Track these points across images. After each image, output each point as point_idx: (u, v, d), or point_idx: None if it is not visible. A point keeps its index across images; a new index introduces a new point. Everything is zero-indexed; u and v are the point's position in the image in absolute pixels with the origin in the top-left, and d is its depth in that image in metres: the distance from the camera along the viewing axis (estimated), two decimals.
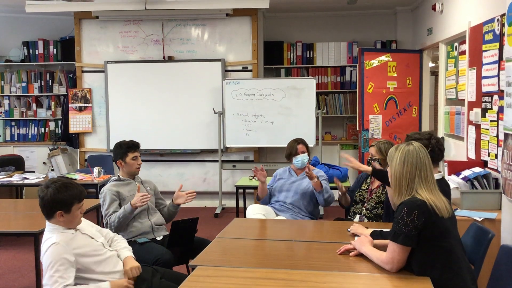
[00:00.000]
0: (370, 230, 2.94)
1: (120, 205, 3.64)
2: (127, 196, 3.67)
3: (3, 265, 4.93)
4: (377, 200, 3.90)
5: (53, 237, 2.60)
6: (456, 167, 4.25)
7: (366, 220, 3.87)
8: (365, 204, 3.95)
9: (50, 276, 2.49)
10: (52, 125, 7.81)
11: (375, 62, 6.83)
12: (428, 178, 2.46)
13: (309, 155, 4.41)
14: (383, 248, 2.59)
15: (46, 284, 2.50)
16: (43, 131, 7.83)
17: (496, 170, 3.95)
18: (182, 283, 2.38)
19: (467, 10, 4.94)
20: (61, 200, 2.59)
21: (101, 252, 2.74)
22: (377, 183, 3.99)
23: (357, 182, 4.19)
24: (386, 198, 3.77)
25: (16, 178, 5.85)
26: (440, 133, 5.82)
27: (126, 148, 3.74)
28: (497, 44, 4.01)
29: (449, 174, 4.23)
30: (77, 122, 7.48)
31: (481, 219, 3.49)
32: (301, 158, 4.33)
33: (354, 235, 3.09)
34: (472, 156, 4.54)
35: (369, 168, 3.58)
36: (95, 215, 4.80)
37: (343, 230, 3.29)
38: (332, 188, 4.30)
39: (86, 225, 2.81)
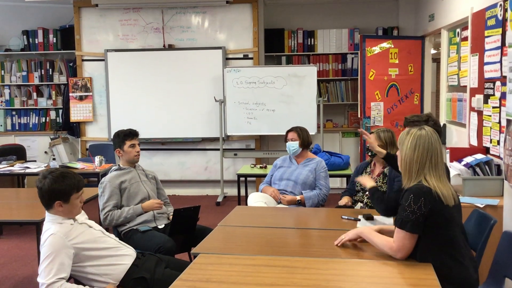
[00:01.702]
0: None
1: (121, 197, 3.65)
2: (128, 185, 3.68)
3: (6, 254, 4.95)
4: None
5: (52, 228, 2.60)
6: (458, 154, 4.24)
7: (367, 208, 3.86)
8: (367, 193, 3.94)
9: (45, 266, 2.48)
10: (53, 114, 7.80)
11: (376, 49, 6.79)
12: (438, 165, 2.41)
13: (307, 142, 4.40)
14: (388, 233, 2.56)
15: (41, 273, 2.50)
16: (44, 121, 7.82)
17: (498, 157, 3.94)
18: (184, 270, 2.39)
19: None
20: (59, 190, 2.59)
21: (101, 239, 2.75)
22: (377, 171, 3.97)
23: (356, 173, 4.16)
24: (387, 191, 3.77)
25: (17, 168, 5.86)
26: (442, 120, 5.80)
27: (123, 136, 3.76)
28: (500, 29, 3.98)
29: (451, 161, 4.22)
30: (78, 111, 7.47)
31: (483, 205, 3.48)
32: (288, 146, 4.38)
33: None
34: (474, 142, 4.52)
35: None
36: (97, 204, 4.78)
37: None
38: (332, 175, 4.28)
39: (82, 215, 2.80)
